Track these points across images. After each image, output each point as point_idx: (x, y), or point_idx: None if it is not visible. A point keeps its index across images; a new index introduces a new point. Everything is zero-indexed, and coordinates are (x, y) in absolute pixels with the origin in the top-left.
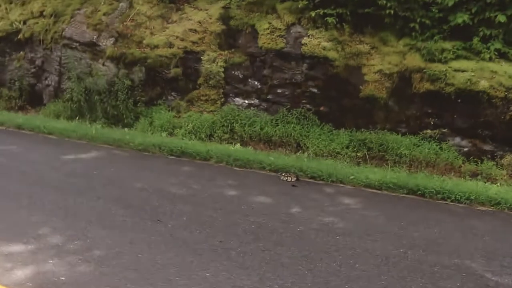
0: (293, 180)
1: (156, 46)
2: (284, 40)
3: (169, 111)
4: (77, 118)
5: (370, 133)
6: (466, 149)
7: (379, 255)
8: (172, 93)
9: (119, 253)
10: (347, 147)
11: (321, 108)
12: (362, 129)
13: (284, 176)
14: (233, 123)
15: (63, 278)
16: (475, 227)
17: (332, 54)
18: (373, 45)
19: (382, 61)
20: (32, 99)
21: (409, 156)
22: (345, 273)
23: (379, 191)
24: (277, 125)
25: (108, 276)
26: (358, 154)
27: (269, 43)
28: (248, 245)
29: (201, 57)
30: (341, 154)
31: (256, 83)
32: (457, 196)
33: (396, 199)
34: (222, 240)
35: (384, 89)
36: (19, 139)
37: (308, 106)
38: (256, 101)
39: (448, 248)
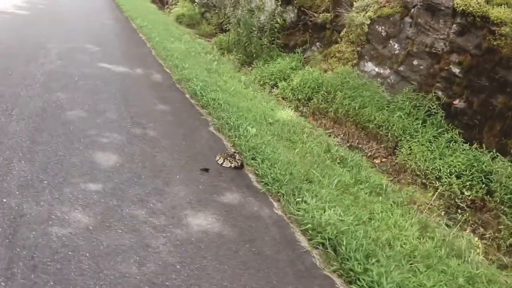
0: (226, 165)
1: None
2: None
3: (300, 62)
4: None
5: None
6: None
7: None
8: (317, 43)
9: None
10: (458, 177)
11: (455, 102)
12: (502, 158)
13: (222, 156)
14: (336, 91)
15: None
16: None
17: (498, 13)
18: None
19: None
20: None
21: None
22: None
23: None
24: (382, 109)
25: None
26: (467, 194)
27: None
28: None
29: (355, 1)
30: (441, 184)
31: (396, 46)
32: None
33: None
34: None
35: None
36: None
37: (439, 93)
38: (387, 71)
39: None
